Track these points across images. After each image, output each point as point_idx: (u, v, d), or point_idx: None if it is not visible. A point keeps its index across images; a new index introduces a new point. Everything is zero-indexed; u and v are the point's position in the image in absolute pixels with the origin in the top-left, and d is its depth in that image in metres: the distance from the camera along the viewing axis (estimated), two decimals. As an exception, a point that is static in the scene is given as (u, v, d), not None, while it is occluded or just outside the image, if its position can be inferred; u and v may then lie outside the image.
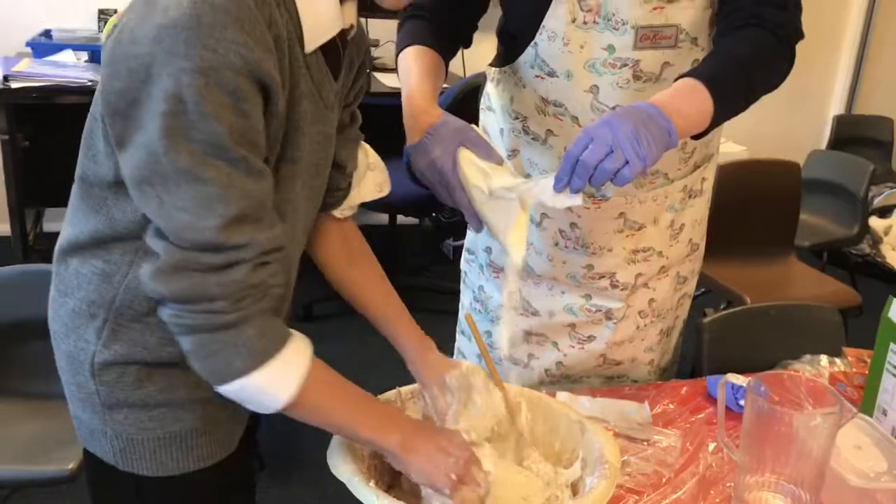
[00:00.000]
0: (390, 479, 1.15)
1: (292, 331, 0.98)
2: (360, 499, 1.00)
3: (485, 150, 1.15)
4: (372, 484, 1.01)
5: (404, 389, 1.24)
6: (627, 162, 1.04)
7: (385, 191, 1.25)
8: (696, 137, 1.22)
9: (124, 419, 1.03)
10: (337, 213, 1.21)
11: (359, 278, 1.25)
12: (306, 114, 0.98)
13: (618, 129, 1.05)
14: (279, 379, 0.94)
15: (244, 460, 1.20)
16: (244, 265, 0.89)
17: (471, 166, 1.14)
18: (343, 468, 1.04)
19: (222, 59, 0.82)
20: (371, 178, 1.23)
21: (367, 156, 1.23)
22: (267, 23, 0.88)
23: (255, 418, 1.18)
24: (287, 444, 2.61)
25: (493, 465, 1.11)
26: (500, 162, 1.15)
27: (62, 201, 3.93)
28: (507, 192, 1.11)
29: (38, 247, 3.41)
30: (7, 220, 3.25)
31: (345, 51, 1.07)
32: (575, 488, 1.14)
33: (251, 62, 0.84)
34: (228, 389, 0.94)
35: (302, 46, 0.95)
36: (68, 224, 1.03)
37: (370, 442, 1.06)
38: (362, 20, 1.10)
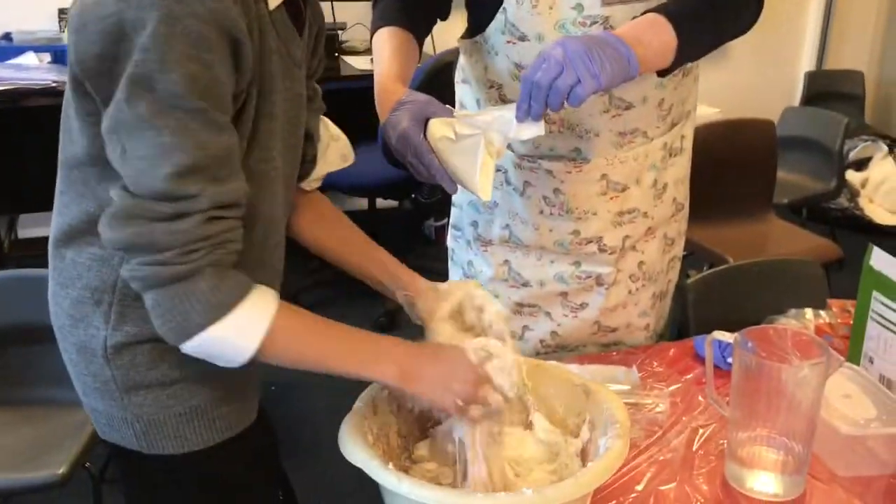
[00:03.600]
0: (403, 452, 1.16)
1: (255, 283, 0.97)
2: (381, 482, 0.98)
3: (447, 116, 1.16)
4: (391, 466, 1.00)
5: None
6: (580, 80, 1.06)
7: (350, 160, 1.27)
8: (662, 74, 1.24)
9: (143, 401, 1.03)
10: (304, 185, 1.22)
11: (334, 235, 1.25)
12: (277, 70, 0.99)
13: (570, 48, 1.07)
14: (242, 330, 0.93)
15: (265, 429, 1.21)
16: (195, 216, 0.89)
17: (437, 124, 1.15)
18: (357, 453, 1.01)
19: (187, 7, 0.83)
20: (335, 149, 1.24)
21: (328, 128, 1.24)
22: None
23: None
24: (291, 430, 2.59)
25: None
26: None
27: (35, 206, 3.87)
28: (472, 130, 1.12)
29: (14, 254, 3.37)
30: (-20, 229, 3.22)
31: (306, 8, 1.08)
32: (584, 452, 1.14)
33: (216, 11, 0.85)
34: (191, 346, 0.93)
35: (266, 3, 0.96)
36: (57, 215, 1.03)
37: (364, 378, 1.04)
38: (329, 4, 1.10)
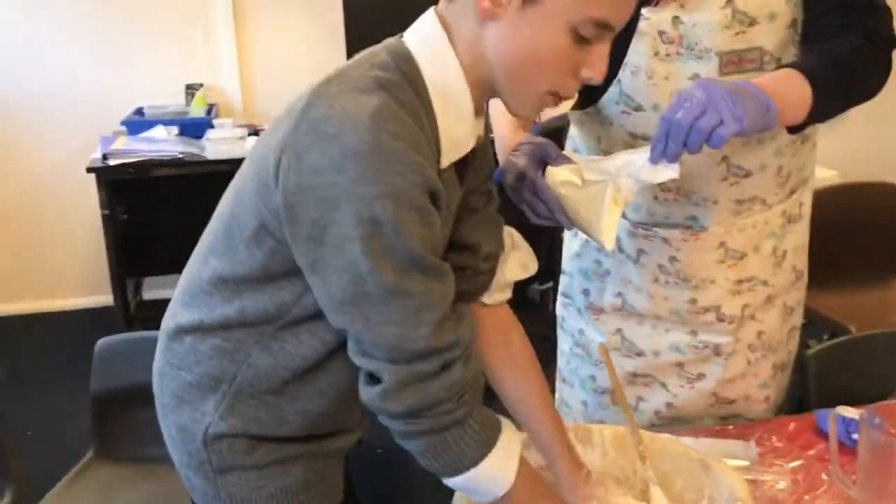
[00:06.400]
0: None
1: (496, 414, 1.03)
2: None
3: (564, 162, 1.18)
4: None
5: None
6: (722, 121, 1.04)
7: (532, 270, 1.23)
8: (794, 131, 1.22)
9: (236, 481, 1.06)
10: (486, 298, 1.19)
11: (517, 380, 1.20)
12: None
13: (712, 89, 1.06)
14: (503, 463, 0.99)
15: None
16: (458, 363, 0.94)
17: (561, 170, 1.17)
18: None
19: (408, 181, 0.87)
20: (515, 258, 1.22)
21: (512, 238, 1.22)
22: (426, 142, 0.93)
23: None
24: (394, 496, 2.60)
25: None
26: None
27: (158, 270, 4.09)
28: (600, 176, 1.12)
29: (139, 315, 3.54)
30: (109, 291, 3.39)
31: (474, 160, 1.09)
32: None
33: (429, 179, 0.90)
34: (460, 480, 0.98)
35: (438, 160, 0.99)
36: (191, 308, 1.06)
37: None
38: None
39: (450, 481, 0.99)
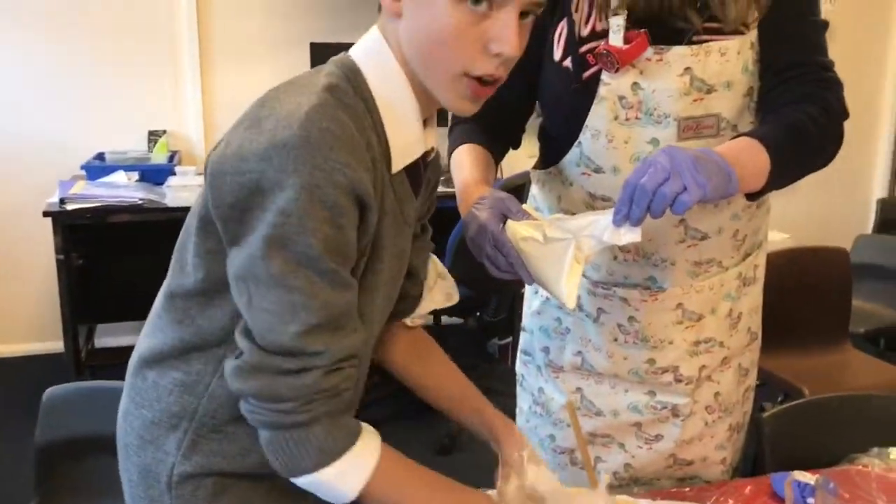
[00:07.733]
0: None
1: (363, 425, 1.01)
2: None
3: (525, 218, 1.18)
4: None
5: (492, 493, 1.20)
6: (686, 188, 1.05)
7: (454, 299, 1.27)
8: (752, 198, 1.24)
9: None
10: (408, 321, 1.24)
11: (432, 373, 1.26)
12: (389, 229, 1.02)
13: (676, 156, 1.07)
14: (346, 475, 0.97)
15: None
16: (316, 371, 0.93)
17: (523, 224, 1.17)
18: None
19: (328, 177, 0.88)
20: (441, 287, 1.25)
21: (436, 266, 1.26)
22: (365, 145, 0.94)
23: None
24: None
25: None
26: None
27: (112, 317, 4.00)
28: (563, 234, 1.13)
29: (89, 363, 3.46)
30: (60, 337, 3.32)
31: (426, 171, 1.11)
32: None
33: (353, 181, 0.90)
34: (300, 482, 0.98)
35: (388, 167, 1.01)
36: (148, 337, 1.07)
37: None
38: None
39: (293, 480, 0.98)
